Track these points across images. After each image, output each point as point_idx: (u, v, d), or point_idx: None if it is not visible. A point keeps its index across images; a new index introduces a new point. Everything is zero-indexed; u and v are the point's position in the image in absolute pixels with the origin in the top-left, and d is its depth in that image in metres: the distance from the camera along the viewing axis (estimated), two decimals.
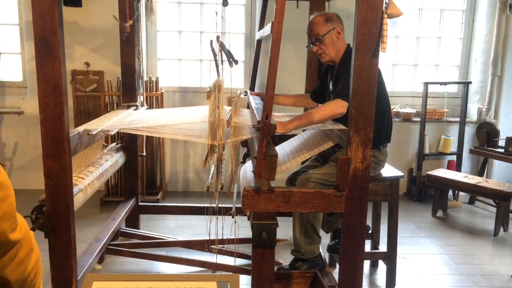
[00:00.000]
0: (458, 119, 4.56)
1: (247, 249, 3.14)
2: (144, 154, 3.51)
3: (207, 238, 2.89)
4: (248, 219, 2.35)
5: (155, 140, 4.34)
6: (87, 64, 4.28)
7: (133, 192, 3.41)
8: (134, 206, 3.39)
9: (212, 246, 2.90)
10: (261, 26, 3.30)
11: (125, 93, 3.23)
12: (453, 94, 4.74)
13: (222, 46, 2.30)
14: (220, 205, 2.70)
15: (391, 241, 2.77)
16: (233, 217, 2.53)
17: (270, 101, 1.81)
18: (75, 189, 2.19)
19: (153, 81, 4.19)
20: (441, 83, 4.46)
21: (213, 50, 2.22)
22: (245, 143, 3.07)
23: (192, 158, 4.58)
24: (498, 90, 4.55)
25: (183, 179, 4.64)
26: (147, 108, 3.38)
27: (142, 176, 4.18)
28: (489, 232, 3.80)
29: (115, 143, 3.28)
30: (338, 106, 2.35)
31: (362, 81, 1.93)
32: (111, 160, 2.90)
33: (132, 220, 3.45)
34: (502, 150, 4.13)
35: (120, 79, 4.07)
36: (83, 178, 2.38)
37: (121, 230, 3.22)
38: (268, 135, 1.83)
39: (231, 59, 2.36)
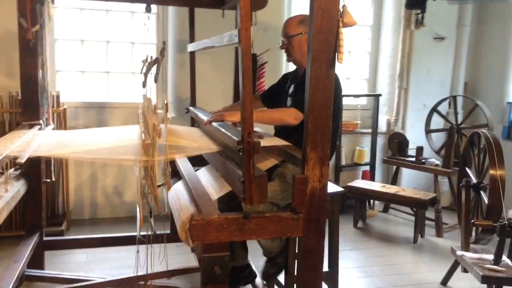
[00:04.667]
0: (369, 130, 4.70)
1: (176, 281, 2.85)
2: (49, 180, 3.02)
3: (132, 271, 2.56)
4: (192, 251, 2.08)
5: (56, 162, 3.82)
6: None
7: (37, 226, 2.91)
8: (39, 242, 2.90)
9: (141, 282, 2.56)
10: (191, 36, 3.08)
11: (26, 110, 2.75)
12: (363, 106, 4.88)
13: (157, 62, 2.04)
14: (144, 233, 2.40)
15: (333, 260, 2.67)
16: (150, 244, 2.23)
17: (250, 117, 1.61)
18: None
19: (53, 95, 3.69)
20: (355, 96, 4.56)
21: (150, 63, 1.96)
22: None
23: (101, 181, 4.12)
24: (404, 102, 4.79)
25: (90, 205, 4.16)
26: (54, 128, 2.93)
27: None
28: (409, 239, 3.91)
29: (13, 169, 2.77)
30: (291, 116, 2.25)
31: (319, 93, 1.80)
32: (12, 191, 2.42)
33: (35, 258, 2.93)
34: (413, 159, 4.32)
35: (13, 94, 3.54)
36: None
37: (25, 273, 2.71)
38: (253, 155, 1.62)
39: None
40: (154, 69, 2.70)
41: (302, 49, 2.51)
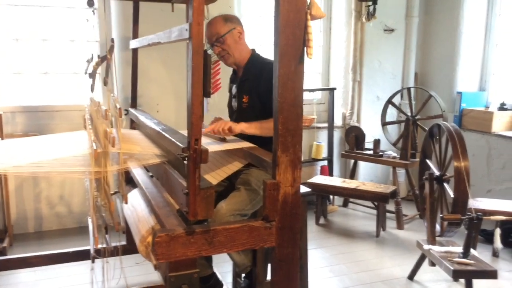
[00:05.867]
0: (325, 125, 4.65)
1: None
2: None
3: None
4: (155, 269, 1.90)
5: None
6: None
7: None
8: None
9: None
10: (135, 32, 2.84)
11: None
12: (318, 100, 4.82)
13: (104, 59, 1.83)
14: (99, 247, 2.19)
15: (301, 263, 2.56)
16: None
17: (198, 122, 1.43)
18: None
19: None
20: (310, 90, 4.48)
21: (97, 63, 1.75)
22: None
23: (45, 191, 3.80)
24: (358, 95, 4.77)
25: (34, 217, 3.83)
26: None
27: None
28: (371, 233, 3.89)
29: None
30: None
31: (288, 92, 1.67)
32: None
33: None
34: (371, 152, 4.30)
35: None
36: None
37: None
38: (199, 164, 1.45)
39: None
40: (100, 69, 2.47)
41: (238, 44, 2.43)
